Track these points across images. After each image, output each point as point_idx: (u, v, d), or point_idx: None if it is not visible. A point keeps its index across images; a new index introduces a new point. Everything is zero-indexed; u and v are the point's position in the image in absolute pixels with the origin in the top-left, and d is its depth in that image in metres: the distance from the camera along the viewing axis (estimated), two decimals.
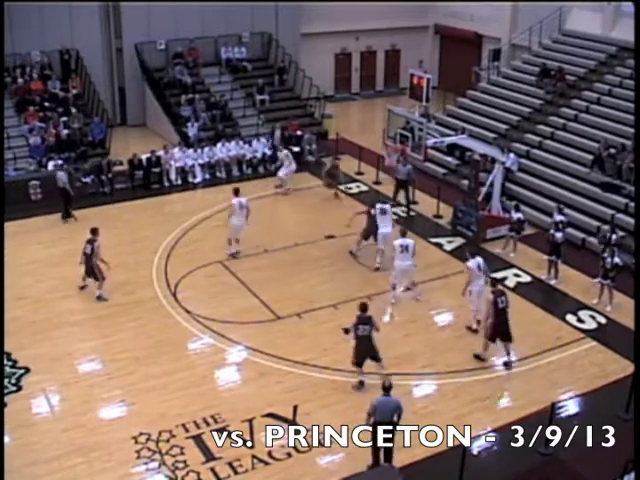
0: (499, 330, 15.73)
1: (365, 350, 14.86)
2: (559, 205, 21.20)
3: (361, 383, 15.06)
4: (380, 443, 12.63)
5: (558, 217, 20.33)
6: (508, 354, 15.99)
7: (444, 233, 22.47)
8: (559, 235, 19.39)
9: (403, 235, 18.52)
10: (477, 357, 16.24)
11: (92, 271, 18.22)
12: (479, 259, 17.55)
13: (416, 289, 18.78)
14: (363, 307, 14.86)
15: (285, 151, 26.21)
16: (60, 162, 25.35)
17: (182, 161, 26.52)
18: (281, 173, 25.61)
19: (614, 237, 19.83)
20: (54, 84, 29.23)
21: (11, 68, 29.08)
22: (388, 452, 12.75)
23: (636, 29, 23.61)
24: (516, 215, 21.00)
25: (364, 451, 12.93)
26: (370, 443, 12.76)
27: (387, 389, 12.50)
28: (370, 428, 12.64)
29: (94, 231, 18.35)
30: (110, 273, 19.22)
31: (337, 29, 36.00)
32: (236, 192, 20.59)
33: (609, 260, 17.95)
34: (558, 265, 19.54)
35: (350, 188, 25.79)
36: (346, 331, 14.98)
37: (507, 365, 16.03)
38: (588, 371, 15.97)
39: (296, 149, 28.24)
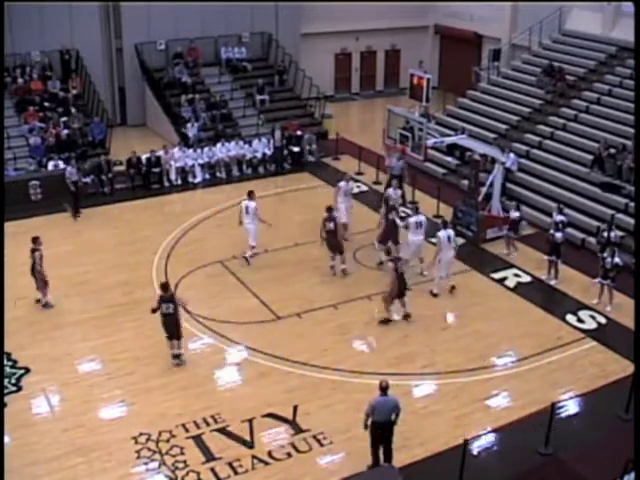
0: (400, 291, 17.27)
1: (168, 326, 15.68)
2: (559, 205, 21.21)
3: (175, 357, 15.94)
4: (379, 443, 12.65)
5: (558, 217, 20.34)
6: (404, 306, 17.62)
7: None
8: (559, 235, 19.37)
9: (417, 211, 19.72)
10: (384, 321, 17.47)
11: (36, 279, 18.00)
12: (450, 231, 18.91)
13: (423, 265, 19.60)
14: (163, 287, 15.62)
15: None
16: (61, 162, 25.45)
17: (182, 161, 26.54)
18: (345, 218, 21.71)
19: (612, 235, 19.84)
20: (54, 84, 29.23)
21: (11, 68, 29.09)
22: (387, 452, 12.76)
23: (636, 29, 23.61)
24: (513, 214, 21.05)
25: (364, 451, 12.93)
26: (369, 443, 12.76)
27: (384, 389, 12.47)
28: (368, 428, 12.65)
29: (35, 240, 17.93)
30: (110, 273, 19.29)
31: (337, 29, 36.03)
32: (249, 194, 20.17)
33: (609, 260, 17.94)
34: (558, 265, 19.53)
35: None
36: (153, 310, 15.53)
37: (407, 317, 17.69)
38: (588, 371, 15.96)
39: (296, 149, 28.29)
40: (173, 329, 15.72)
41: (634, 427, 12.83)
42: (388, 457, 12.81)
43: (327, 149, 29.34)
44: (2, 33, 26.64)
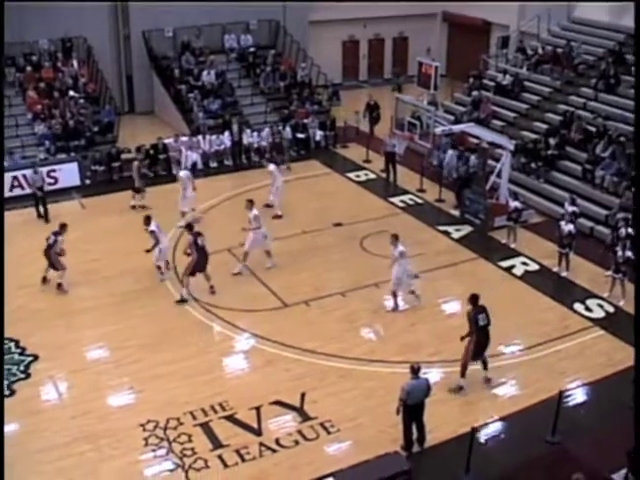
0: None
1: None
2: (571, 195, 21.09)
3: None
4: (412, 423, 12.95)
5: (570, 208, 20.21)
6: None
7: (452, 221, 22.44)
8: (568, 227, 19.13)
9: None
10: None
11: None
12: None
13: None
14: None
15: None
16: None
17: (190, 149, 26.52)
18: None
19: (630, 231, 19.44)
20: (63, 72, 29.17)
21: (19, 56, 29.04)
22: (420, 428, 13.09)
23: (636, 30, 23.39)
24: (513, 204, 20.94)
25: (371, 439, 12.99)
26: (403, 426, 12.97)
27: (416, 371, 12.71)
28: (401, 412, 12.81)
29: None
30: (118, 260, 19.31)
31: (345, 16, 35.81)
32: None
33: (620, 254, 17.82)
34: (569, 257, 19.30)
35: (358, 176, 25.76)
36: None
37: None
38: (596, 360, 15.94)
39: (303, 136, 28.25)
40: None
41: (634, 417, 12.72)
42: (422, 433, 13.11)
43: (335, 137, 29.25)
44: (2, 31, 26.31)
